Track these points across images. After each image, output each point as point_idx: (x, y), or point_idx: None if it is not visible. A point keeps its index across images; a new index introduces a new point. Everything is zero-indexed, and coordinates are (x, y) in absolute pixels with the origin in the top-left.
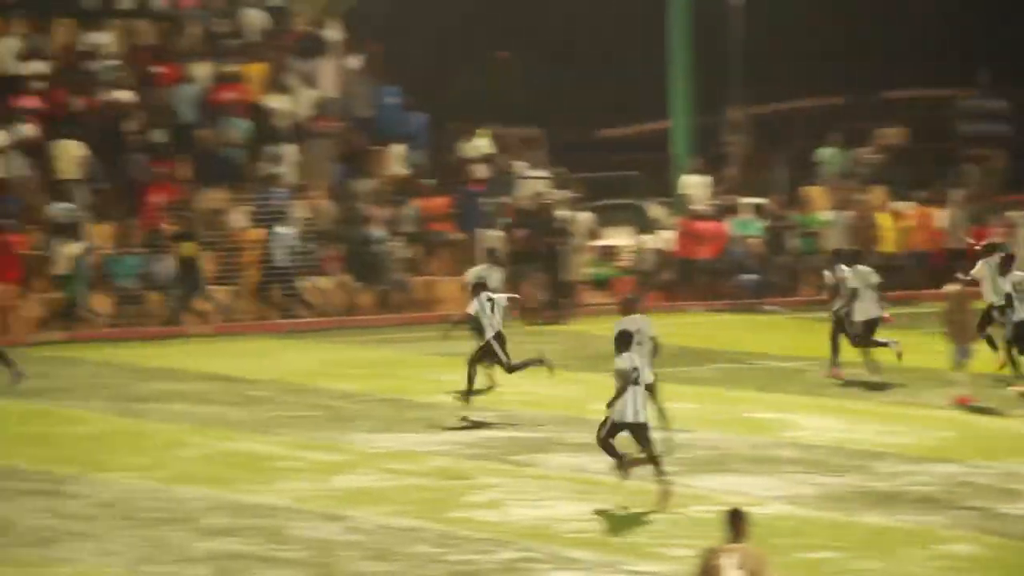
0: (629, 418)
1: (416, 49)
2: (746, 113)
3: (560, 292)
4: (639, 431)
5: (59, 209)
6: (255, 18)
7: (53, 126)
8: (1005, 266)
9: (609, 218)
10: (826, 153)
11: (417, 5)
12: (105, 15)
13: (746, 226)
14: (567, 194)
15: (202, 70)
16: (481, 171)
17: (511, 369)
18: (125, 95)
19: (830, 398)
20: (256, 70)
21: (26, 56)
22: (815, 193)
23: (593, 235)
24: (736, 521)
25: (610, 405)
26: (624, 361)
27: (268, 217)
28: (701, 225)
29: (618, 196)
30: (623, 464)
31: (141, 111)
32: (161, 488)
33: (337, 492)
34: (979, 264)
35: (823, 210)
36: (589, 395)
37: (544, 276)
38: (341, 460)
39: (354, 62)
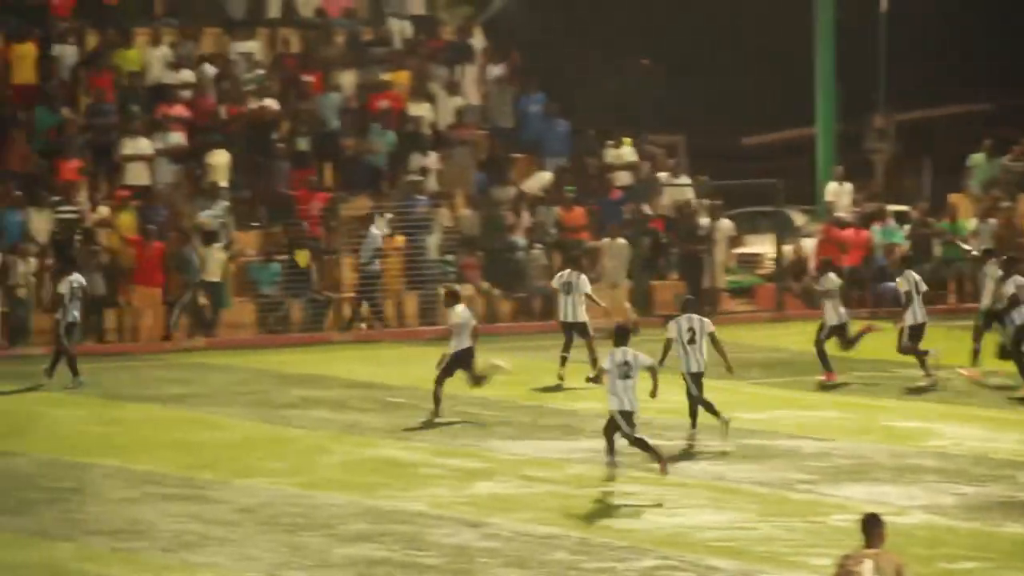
0: (618, 407)
1: (558, 57)
2: (891, 120)
3: (702, 300)
4: (626, 417)
5: (205, 216)
6: (399, 27)
7: (200, 134)
8: (1008, 270)
9: (751, 225)
10: (974, 160)
11: (560, 13)
12: (252, 24)
13: (890, 234)
14: (709, 201)
15: (347, 78)
16: (623, 178)
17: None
18: (271, 103)
19: (972, 407)
20: (400, 78)
21: (175, 65)
22: (960, 201)
23: (734, 243)
24: (873, 527)
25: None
26: (615, 355)
27: (410, 225)
28: (844, 232)
29: (760, 203)
30: (660, 458)
31: (287, 119)
32: (301, 494)
33: (475, 498)
34: None
35: (968, 218)
36: (729, 403)
37: (686, 284)
38: (480, 467)
39: (497, 70)
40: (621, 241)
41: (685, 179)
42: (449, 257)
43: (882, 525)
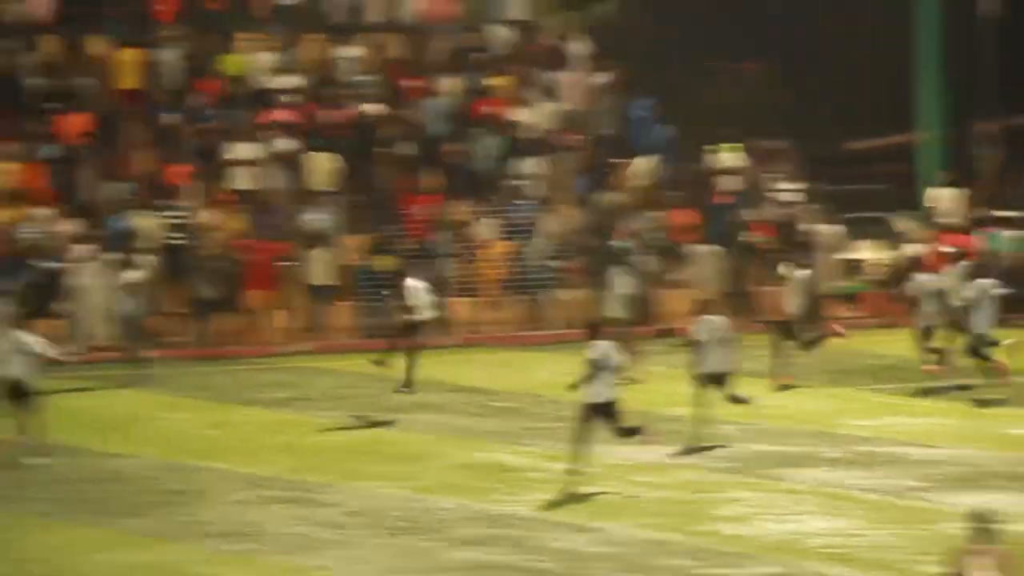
0: (597, 399)
1: (663, 61)
2: (998, 126)
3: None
4: (607, 408)
5: (312, 220)
6: (502, 32)
7: (306, 139)
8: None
9: (857, 231)
10: None
11: (664, 17)
12: (355, 29)
13: (997, 240)
14: (815, 207)
15: (450, 84)
16: (729, 184)
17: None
18: (375, 108)
19: None
20: (503, 84)
21: (279, 70)
22: None
23: (841, 248)
24: (984, 523)
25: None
26: (595, 351)
27: (514, 230)
28: (950, 238)
29: (866, 209)
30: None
31: (391, 124)
32: (412, 497)
33: (586, 503)
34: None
35: None
36: (839, 409)
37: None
38: (590, 471)
39: (600, 75)
40: (713, 247)
41: (791, 184)
42: (552, 263)
43: (994, 521)
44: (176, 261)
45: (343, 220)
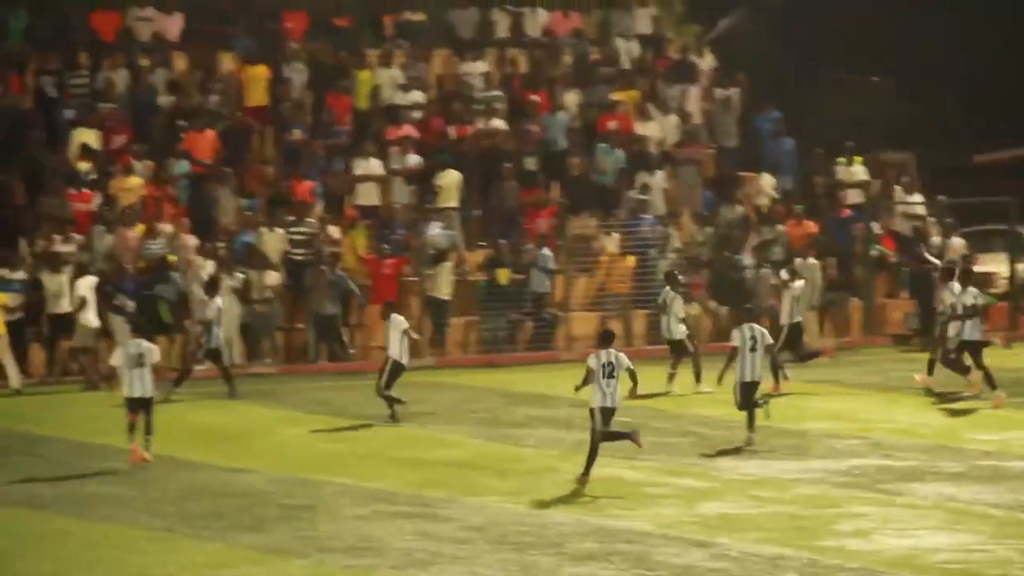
0: (600, 403)
1: (788, 74)
2: None
3: (932, 319)
4: (606, 414)
5: (435, 235)
6: (627, 46)
7: (431, 155)
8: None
9: (983, 244)
10: None
11: (789, 31)
12: (481, 45)
13: None
14: (941, 219)
15: (575, 98)
16: (853, 196)
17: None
18: (500, 123)
19: None
20: (627, 98)
21: (404, 86)
22: None
23: (967, 261)
24: None
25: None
26: (600, 356)
27: (638, 244)
28: None
29: (992, 222)
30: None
31: (516, 139)
32: (530, 512)
33: (703, 518)
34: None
35: None
36: (963, 423)
37: (916, 302)
38: (708, 486)
39: (726, 89)
40: (812, 261)
41: (917, 197)
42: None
43: None
44: (300, 277)
45: (466, 235)
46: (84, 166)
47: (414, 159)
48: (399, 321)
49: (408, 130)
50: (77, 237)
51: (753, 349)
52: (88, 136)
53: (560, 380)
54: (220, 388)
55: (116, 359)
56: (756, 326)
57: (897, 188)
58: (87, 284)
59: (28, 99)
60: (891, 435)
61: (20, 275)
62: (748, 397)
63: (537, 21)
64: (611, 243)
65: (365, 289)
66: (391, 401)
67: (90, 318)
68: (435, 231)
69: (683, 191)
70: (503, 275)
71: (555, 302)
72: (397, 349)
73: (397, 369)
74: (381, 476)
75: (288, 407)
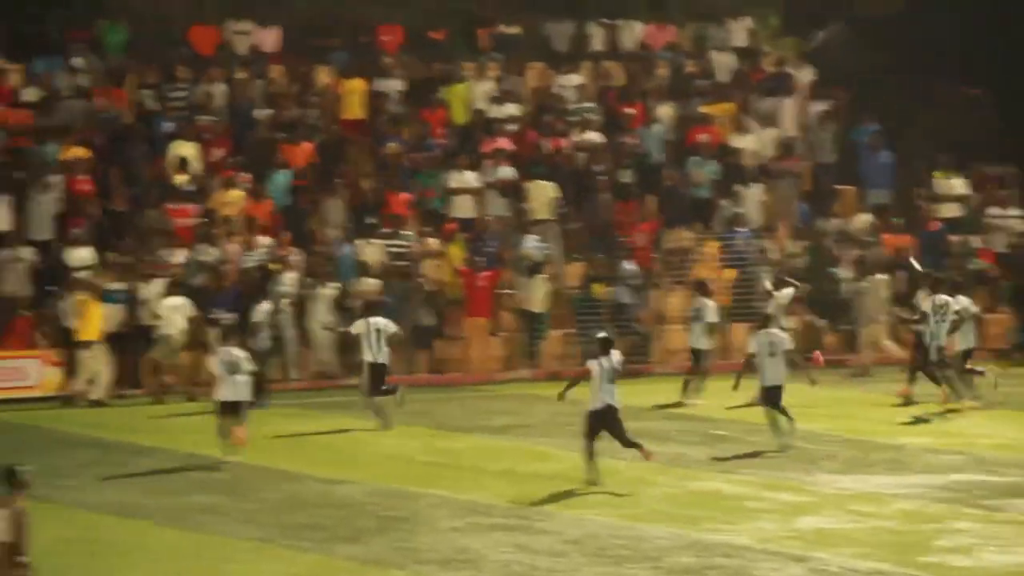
0: (602, 403)
1: (885, 87)
2: None
3: None
4: (609, 413)
5: (530, 248)
6: (723, 59)
7: (526, 167)
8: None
9: None
10: None
11: (885, 43)
12: (576, 57)
13: None
14: None
15: (670, 111)
16: (951, 210)
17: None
18: (594, 136)
19: None
20: (723, 110)
21: (499, 99)
22: None
23: None
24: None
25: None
26: (603, 362)
27: (734, 257)
28: None
29: None
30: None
31: (610, 151)
32: (629, 526)
33: (802, 533)
34: None
35: None
36: None
37: (1017, 317)
38: (806, 501)
39: (822, 101)
40: (880, 277)
41: (1017, 211)
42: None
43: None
44: (397, 288)
45: (561, 248)
46: (181, 179)
47: (508, 171)
48: (376, 322)
49: (503, 143)
50: (175, 250)
51: (772, 354)
52: (186, 149)
53: (654, 394)
54: (316, 399)
55: (214, 365)
56: (774, 332)
57: (997, 203)
58: (174, 298)
59: (128, 112)
60: (993, 450)
61: (121, 286)
62: (770, 401)
63: (632, 34)
64: (708, 256)
65: (459, 302)
66: (378, 409)
67: (174, 331)
68: (529, 244)
69: (780, 204)
70: (599, 289)
71: (649, 316)
72: (373, 351)
73: (376, 371)
74: (478, 488)
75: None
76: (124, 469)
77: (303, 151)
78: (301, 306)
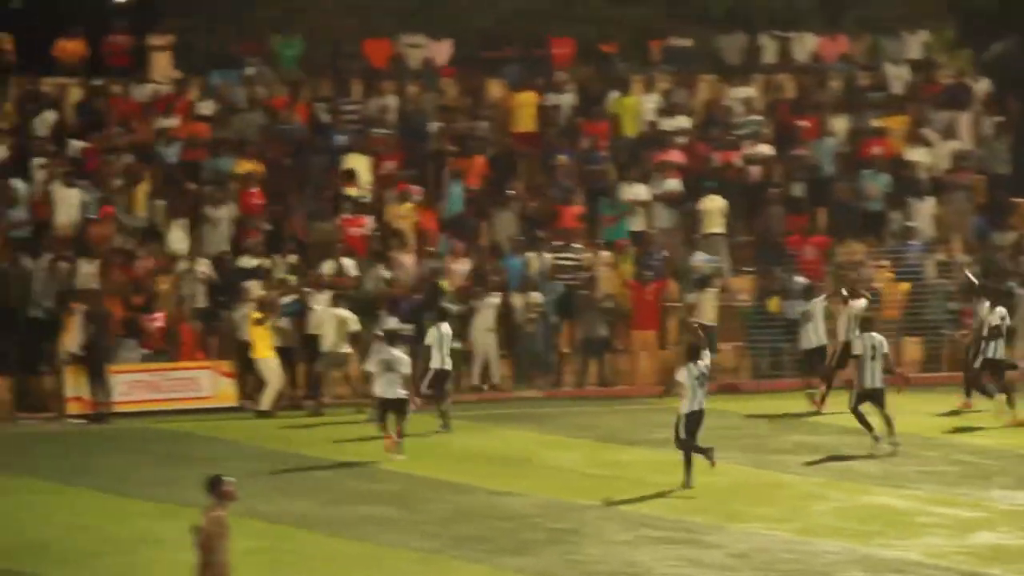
0: (695, 407)
1: None
2: None
3: None
4: (699, 416)
5: (700, 261)
6: (897, 71)
7: (696, 180)
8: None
9: None
10: None
11: None
12: (748, 70)
13: None
14: None
15: (842, 123)
16: None
17: None
18: (765, 149)
19: None
20: (897, 123)
21: (668, 111)
22: None
23: None
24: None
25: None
26: (691, 369)
27: (907, 270)
28: None
29: None
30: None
31: (781, 164)
32: (796, 540)
33: (974, 549)
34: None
35: None
36: None
37: None
38: (980, 517)
39: (997, 114)
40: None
41: None
42: (952, 305)
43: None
44: (567, 301)
45: (732, 261)
46: (352, 191)
47: (675, 184)
48: (446, 330)
49: (673, 155)
50: (348, 261)
51: (873, 357)
52: (359, 162)
53: (828, 407)
54: (482, 411)
55: (371, 364)
56: (876, 335)
57: None
58: (343, 310)
59: (303, 125)
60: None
61: (291, 298)
62: (876, 403)
63: (805, 46)
64: (881, 269)
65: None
66: (444, 412)
67: (342, 343)
68: (699, 257)
69: (953, 217)
70: (774, 303)
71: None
72: (442, 357)
73: (441, 377)
74: (647, 501)
75: (554, 431)
76: (295, 480)
77: (475, 164)
78: (468, 318)
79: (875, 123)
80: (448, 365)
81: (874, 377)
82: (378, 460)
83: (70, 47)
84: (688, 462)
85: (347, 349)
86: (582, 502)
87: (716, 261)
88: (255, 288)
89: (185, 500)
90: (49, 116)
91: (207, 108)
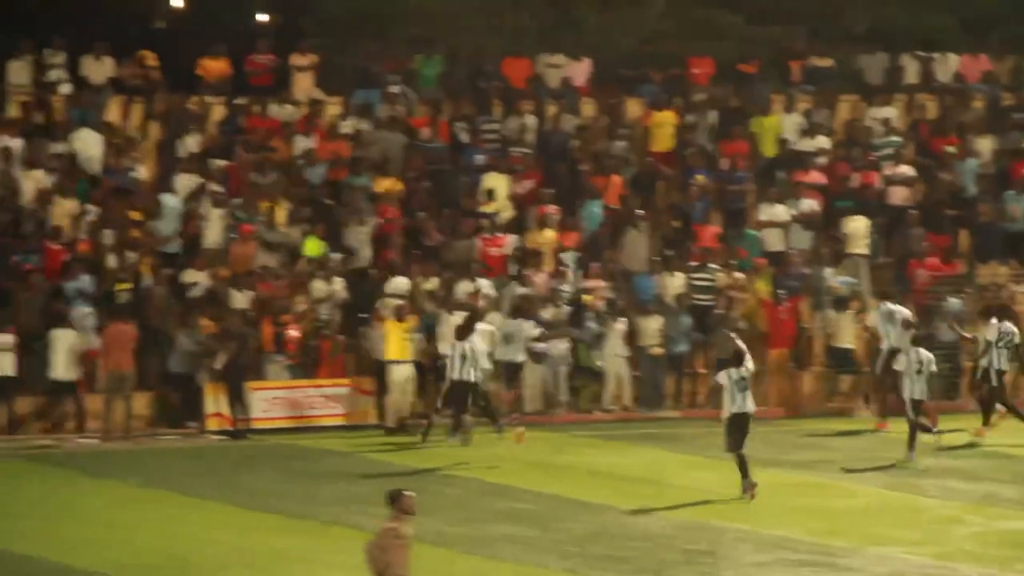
0: (734, 410)
1: None
2: None
3: None
4: (744, 418)
5: (839, 282)
6: None
7: (836, 200)
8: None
9: None
10: None
11: None
12: (890, 90)
13: None
14: None
15: (986, 144)
16: None
17: None
18: (906, 169)
19: None
20: None
21: (808, 131)
22: None
23: None
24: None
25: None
26: (731, 373)
27: None
28: None
29: None
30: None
31: (925, 185)
32: (934, 564)
33: None
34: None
35: None
36: None
37: None
38: None
39: None
40: None
41: None
42: None
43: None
44: (703, 322)
45: (871, 283)
46: (492, 209)
47: (810, 204)
48: (474, 346)
49: (814, 176)
50: (484, 281)
51: (919, 372)
52: (498, 181)
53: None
54: (619, 431)
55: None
56: (923, 351)
57: None
58: (486, 325)
59: (444, 144)
60: None
61: (427, 316)
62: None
63: (948, 66)
64: (1021, 291)
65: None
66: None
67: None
68: (837, 278)
69: None
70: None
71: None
72: (462, 370)
73: (460, 389)
74: (782, 523)
75: (688, 451)
76: (428, 497)
77: (613, 183)
78: (601, 338)
79: (1021, 144)
80: (467, 376)
81: (921, 391)
82: (513, 478)
83: (214, 66)
84: (742, 466)
85: (488, 365)
86: (717, 523)
87: (853, 282)
88: (392, 305)
89: (321, 517)
90: (194, 133)
91: (348, 127)
